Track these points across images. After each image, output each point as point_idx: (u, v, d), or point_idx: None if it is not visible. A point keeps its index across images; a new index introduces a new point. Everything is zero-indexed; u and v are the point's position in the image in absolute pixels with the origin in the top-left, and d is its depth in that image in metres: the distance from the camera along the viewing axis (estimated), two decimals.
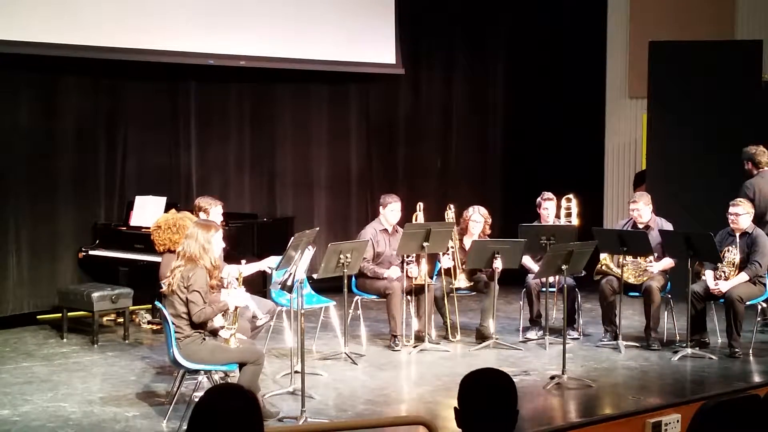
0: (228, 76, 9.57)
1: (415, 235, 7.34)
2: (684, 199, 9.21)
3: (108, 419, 5.72)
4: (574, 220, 8.22)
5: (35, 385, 6.49)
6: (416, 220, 7.91)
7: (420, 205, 8.03)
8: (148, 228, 8.28)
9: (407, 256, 7.59)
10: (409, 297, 7.81)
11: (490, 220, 8.00)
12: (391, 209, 7.79)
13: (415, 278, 7.61)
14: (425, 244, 7.32)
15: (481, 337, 7.76)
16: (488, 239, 7.90)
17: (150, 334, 8.09)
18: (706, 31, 10.14)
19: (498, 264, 7.45)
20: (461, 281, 7.80)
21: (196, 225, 5.76)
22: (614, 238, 7.52)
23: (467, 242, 7.82)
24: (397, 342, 7.55)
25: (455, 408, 2.97)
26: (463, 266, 7.80)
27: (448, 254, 7.74)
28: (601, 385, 6.53)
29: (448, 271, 7.78)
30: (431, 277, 7.72)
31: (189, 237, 5.65)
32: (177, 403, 5.77)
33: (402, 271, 7.63)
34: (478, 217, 7.90)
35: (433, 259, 7.88)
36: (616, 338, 7.63)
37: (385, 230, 7.82)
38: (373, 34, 10.10)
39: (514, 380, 3.04)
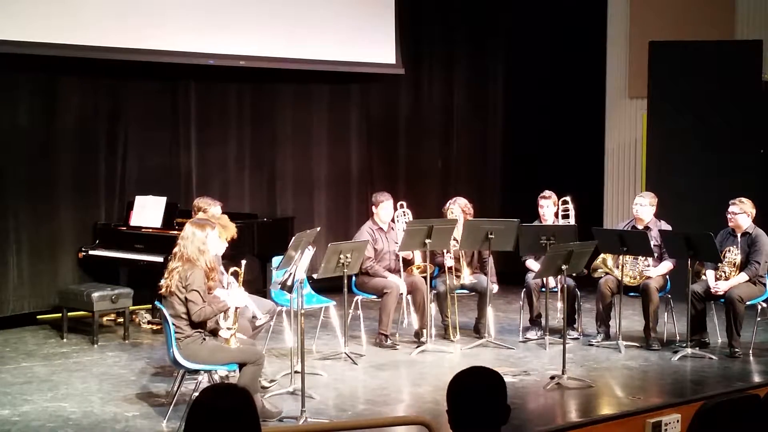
0: (228, 76, 9.57)
1: (417, 232, 7.34)
2: (684, 199, 9.22)
3: (108, 419, 5.73)
4: (572, 222, 8.19)
5: (35, 385, 6.49)
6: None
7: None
8: (148, 228, 8.33)
9: (446, 252, 7.70)
10: (409, 297, 7.82)
11: (471, 211, 8.03)
12: (383, 207, 7.87)
13: (417, 267, 7.66)
14: (427, 241, 7.32)
15: (478, 331, 7.86)
16: (481, 219, 7.95)
17: (150, 334, 8.09)
18: (706, 31, 10.13)
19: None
20: (466, 278, 7.81)
21: (191, 225, 5.75)
22: (614, 238, 7.52)
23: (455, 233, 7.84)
24: (388, 340, 7.58)
25: (447, 410, 2.97)
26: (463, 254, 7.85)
27: (450, 253, 7.75)
28: (601, 385, 6.53)
29: (451, 270, 7.79)
30: (431, 278, 7.71)
31: (184, 238, 5.65)
32: (177, 403, 5.77)
33: (402, 276, 7.68)
34: (456, 210, 7.94)
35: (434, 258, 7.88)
36: (608, 338, 7.65)
37: (381, 228, 7.85)
38: (373, 34, 10.10)
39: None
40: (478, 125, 11.38)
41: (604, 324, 7.73)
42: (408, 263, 7.83)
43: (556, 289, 7.85)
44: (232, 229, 6.42)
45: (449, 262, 7.76)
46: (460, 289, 7.90)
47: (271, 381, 6.44)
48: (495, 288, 7.89)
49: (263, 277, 8.62)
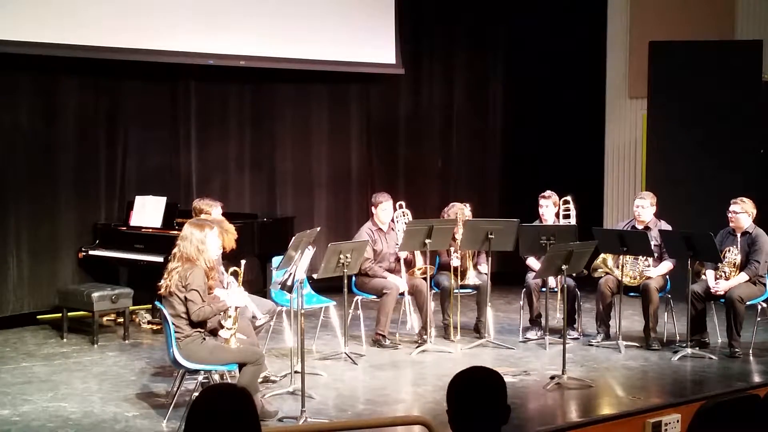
0: (228, 76, 9.57)
1: (417, 232, 7.35)
2: (684, 199, 9.22)
3: (108, 419, 5.73)
4: (573, 222, 8.19)
5: (35, 385, 6.49)
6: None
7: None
8: (148, 228, 8.33)
9: (454, 251, 7.71)
10: (411, 296, 7.81)
11: (470, 215, 8.01)
12: (383, 208, 7.87)
13: (419, 269, 7.65)
14: (427, 241, 7.33)
15: (478, 331, 7.87)
16: (481, 219, 7.96)
17: (150, 334, 8.10)
18: (706, 31, 10.14)
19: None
20: (471, 278, 7.81)
21: (189, 225, 5.77)
22: (614, 238, 7.52)
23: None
24: (386, 340, 7.58)
25: (447, 410, 2.97)
26: (472, 258, 7.86)
27: (456, 254, 7.75)
28: (601, 385, 6.53)
29: (456, 270, 7.78)
30: (431, 278, 7.71)
31: (183, 238, 5.66)
32: (177, 403, 5.77)
33: (404, 276, 7.67)
34: (454, 210, 7.93)
35: (434, 258, 7.88)
36: (608, 338, 7.65)
37: (380, 229, 7.86)
38: (373, 34, 10.10)
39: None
40: (478, 125, 11.38)
41: (604, 324, 7.73)
42: (409, 265, 7.82)
43: (556, 289, 7.85)
44: (230, 240, 6.40)
45: (455, 261, 7.76)
46: (461, 288, 7.90)
47: (272, 380, 6.45)
48: (484, 277, 7.86)
49: (263, 277, 8.62)
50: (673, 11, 10.48)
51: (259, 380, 6.19)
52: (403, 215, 8.13)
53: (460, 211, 7.92)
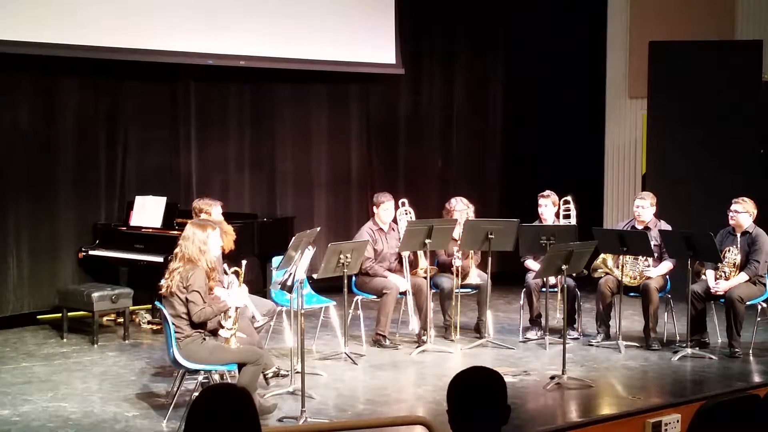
0: (228, 76, 9.57)
1: (417, 232, 7.34)
2: (684, 199, 9.22)
3: (108, 419, 5.73)
4: (573, 222, 8.19)
5: (35, 385, 6.49)
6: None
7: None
8: (148, 228, 8.33)
9: (458, 251, 7.71)
10: (413, 296, 7.81)
11: (473, 208, 8.03)
12: (384, 208, 7.86)
13: (423, 269, 7.64)
14: (427, 241, 7.32)
15: (479, 331, 7.86)
16: (481, 219, 7.96)
17: (150, 334, 8.10)
18: (706, 31, 10.14)
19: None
20: (473, 277, 7.81)
21: (192, 225, 5.77)
22: (614, 238, 7.52)
23: (455, 233, 7.82)
24: (386, 340, 7.58)
25: (447, 410, 2.97)
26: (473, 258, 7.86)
27: (458, 254, 7.74)
28: (601, 385, 6.53)
29: (458, 270, 7.77)
30: (430, 277, 7.70)
31: (186, 238, 5.66)
32: (177, 403, 5.77)
33: (405, 276, 7.67)
34: (461, 207, 7.95)
35: (432, 258, 7.88)
36: (608, 338, 7.65)
37: (381, 229, 7.85)
38: (373, 34, 10.09)
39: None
40: (478, 125, 11.38)
41: (604, 324, 7.74)
42: (412, 265, 7.80)
43: (556, 290, 7.85)
44: (229, 241, 6.40)
45: (458, 262, 7.75)
46: (462, 288, 7.89)
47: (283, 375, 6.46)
48: (485, 276, 7.87)
49: (263, 277, 8.62)
50: (673, 11, 10.48)
51: (270, 375, 6.23)
52: (406, 213, 8.11)
53: (462, 211, 7.92)
